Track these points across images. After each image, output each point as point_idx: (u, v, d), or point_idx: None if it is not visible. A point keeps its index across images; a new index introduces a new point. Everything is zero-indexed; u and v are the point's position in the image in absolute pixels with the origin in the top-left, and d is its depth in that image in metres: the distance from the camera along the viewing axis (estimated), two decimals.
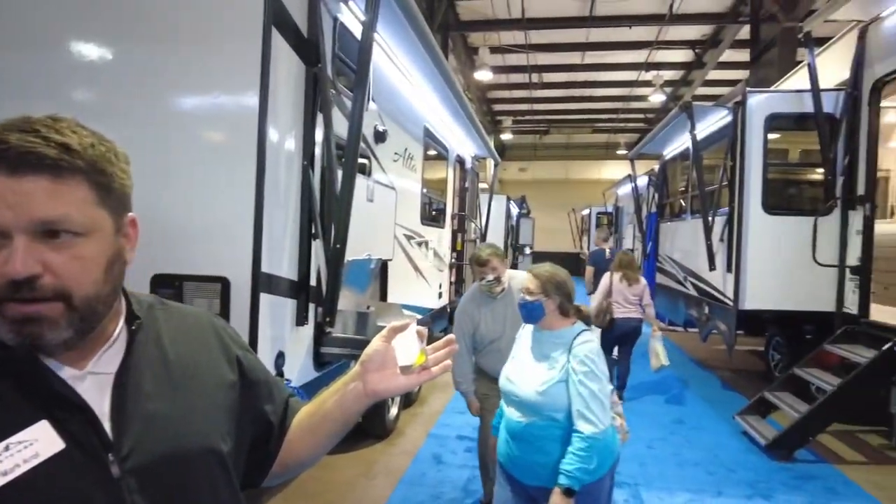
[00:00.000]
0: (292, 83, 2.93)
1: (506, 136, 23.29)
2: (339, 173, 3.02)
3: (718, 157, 6.79)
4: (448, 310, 6.81)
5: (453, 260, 7.16)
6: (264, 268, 2.61)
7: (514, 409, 2.26)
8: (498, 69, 15.48)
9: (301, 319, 2.94)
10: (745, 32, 12.30)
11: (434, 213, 6.24)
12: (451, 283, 7.01)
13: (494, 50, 14.34)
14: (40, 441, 0.69)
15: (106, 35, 2.81)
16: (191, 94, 2.75)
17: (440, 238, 6.42)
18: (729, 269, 5.95)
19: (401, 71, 4.69)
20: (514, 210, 14.68)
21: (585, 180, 25.30)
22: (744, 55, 12.85)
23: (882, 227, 5.54)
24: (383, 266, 4.31)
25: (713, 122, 6.79)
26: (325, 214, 3.09)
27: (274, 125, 2.72)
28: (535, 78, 16.94)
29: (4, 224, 0.67)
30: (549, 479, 2.08)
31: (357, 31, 3.63)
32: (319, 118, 3.08)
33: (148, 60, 2.74)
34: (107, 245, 0.75)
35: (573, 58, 15.28)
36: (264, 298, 2.62)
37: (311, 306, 3.07)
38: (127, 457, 0.74)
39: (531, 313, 2.30)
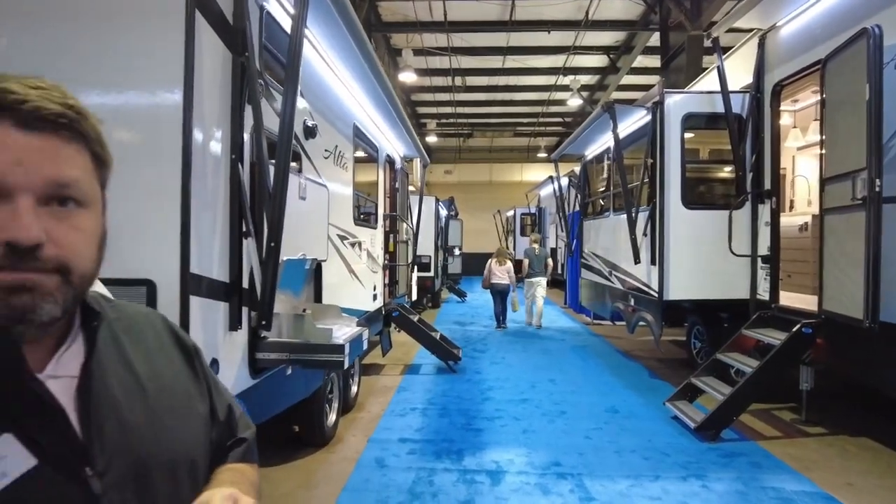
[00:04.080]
0: (218, 73, 2.75)
1: (430, 139, 23.36)
2: (271, 169, 2.88)
3: (638, 156, 7.09)
4: (382, 312, 6.69)
5: (386, 261, 7.05)
6: (193, 269, 2.43)
7: None
8: (421, 71, 15.50)
9: (234, 324, 2.75)
10: (655, 39, 13.00)
11: (366, 213, 6.10)
12: (385, 284, 6.89)
13: (418, 52, 14.35)
14: (7, 458, 0.58)
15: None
16: (103, 84, 2.50)
17: (373, 239, 6.29)
18: (653, 262, 6.22)
19: (329, 66, 4.55)
20: (443, 212, 14.72)
21: (508, 182, 25.85)
22: (655, 61, 13.58)
23: (783, 220, 5.98)
24: (317, 267, 4.14)
25: (632, 122, 7.08)
26: (256, 212, 2.92)
27: (200, 117, 2.54)
28: (457, 81, 17.10)
29: (12, 181, 0.59)
30: None
31: (284, 20, 3.50)
32: (247, 111, 2.91)
33: (51, 44, 2.48)
34: (99, 222, 0.69)
35: (494, 62, 15.55)
36: (195, 302, 2.43)
37: (245, 310, 2.89)
38: (105, 471, 0.64)
39: None
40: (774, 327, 5.25)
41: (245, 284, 2.85)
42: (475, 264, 19.43)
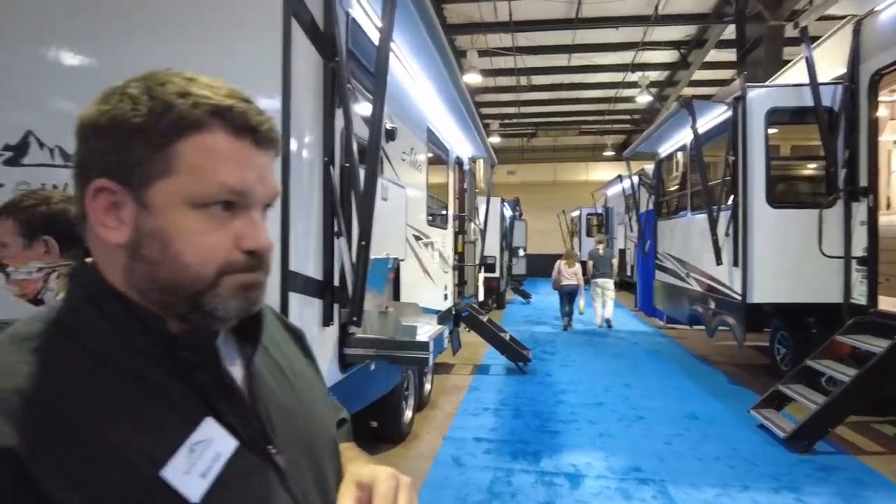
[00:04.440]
0: (312, 78, 2.85)
1: (493, 140, 23.33)
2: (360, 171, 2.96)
3: (717, 153, 6.83)
4: (453, 312, 6.73)
5: (455, 262, 7.09)
6: (292, 266, 2.52)
7: None
8: (486, 72, 15.48)
9: (327, 320, 2.85)
10: (730, 32, 12.45)
11: (438, 214, 6.17)
12: (454, 284, 6.94)
13: (482, 53, 14.34)
14: (216, 440, 0.62)
15: (100, 30, 2.69)
16: None
17: (444, 240, 6.34)
18: (736, 264, 5.96)
19: (406, 69, 4.63)
20: (508, 212, 14.65)
21: (573, 182, 25.43)
22: (729, 55, 13.02)
23: (880, 219, 5.58)
24: (397, 266, 4.22)
25: (711, 118, 6.82)
26: (347, 212, 3.01)
27: (297, 122, 2.64)
28: (522, 81, 16.98)
29: (255, 196, 0.66)
30: None
31: (367, 25, 3.58)
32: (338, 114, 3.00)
33: (155, 56, 2.63)
34: None
35: (560, 60, 15.34)
36: (293, 298, 2.53)
37: (335, 306, 2.98)
38: (282, 449, 0.69)
39: None
40: (873, 334, 4.91)
41: (336, 282, 2.94)
42: (540, 265, 19.27)
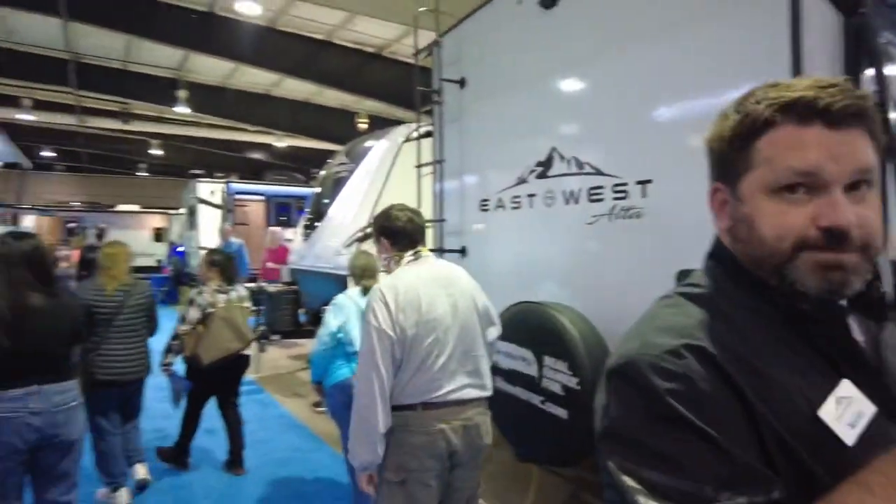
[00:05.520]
0: (828, 41, 2.41)
1: None
2: None
3: None
4: None
5: None
6: None
7: None
8: None
9: None
10: None
11: None
12: None
13: None
14: (856, 400, 0.71)
15: (595, 52, 2.95)
16: (719, 85, 2.41)
17: None
18: None
19: None
20: None
21: None
22: None
23: None
24: None
25: None
26: None
27: None
28: None
29: (827, 175, 0.71)
30: None
31: None
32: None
33: (649, 63, 2.68)
34: (878, 199, 0.78)
35: None
36: None
37: None
38: None
39: None
40: None
41: None
42: None
